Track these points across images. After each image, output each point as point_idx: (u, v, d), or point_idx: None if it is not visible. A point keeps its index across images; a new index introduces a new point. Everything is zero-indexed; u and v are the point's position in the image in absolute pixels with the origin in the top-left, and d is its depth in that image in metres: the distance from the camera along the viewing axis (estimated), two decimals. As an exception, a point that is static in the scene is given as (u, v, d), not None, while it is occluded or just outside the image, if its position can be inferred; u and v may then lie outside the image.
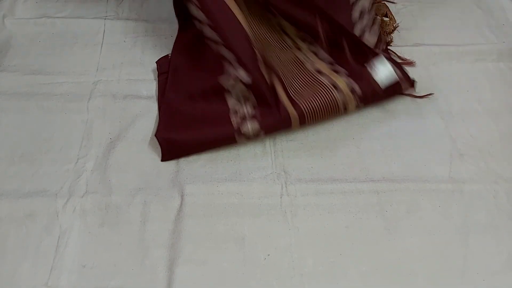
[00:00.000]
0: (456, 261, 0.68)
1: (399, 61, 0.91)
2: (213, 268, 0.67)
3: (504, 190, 0.75)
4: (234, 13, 0.79)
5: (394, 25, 0.97)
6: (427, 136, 0.82)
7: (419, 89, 0.87)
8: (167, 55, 0.91)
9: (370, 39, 0.89)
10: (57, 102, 0.85)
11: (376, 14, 0.94)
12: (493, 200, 0.74)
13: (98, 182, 0.75)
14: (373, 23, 0.91)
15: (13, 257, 0.68)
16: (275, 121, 0.78)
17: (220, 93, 0.82)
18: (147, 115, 0.84)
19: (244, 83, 0.79)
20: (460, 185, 0.76)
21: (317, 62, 0.87)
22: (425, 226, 0.71)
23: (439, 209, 0.73)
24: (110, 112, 0.84)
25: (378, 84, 0.81)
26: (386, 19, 0.97)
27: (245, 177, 0.76)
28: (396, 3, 1.04)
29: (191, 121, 0.80)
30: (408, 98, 0.87)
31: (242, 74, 0.78)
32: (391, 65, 0.83)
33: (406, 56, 0.93)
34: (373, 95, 0.82)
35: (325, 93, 0.79)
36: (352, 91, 0.80)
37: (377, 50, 0.87)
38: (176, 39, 0.93)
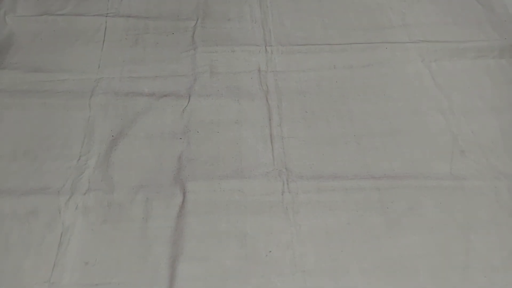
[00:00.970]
0: (457, 257, 0.68)
1: None
2: (215, 265, 0.67)
3: (505, 187, 0.75)
4: None
5: None
6: (428, 133, 0.82)
7: (419, 86, 0.87)
8: None
9: None
10: (59, 99, 0.85)
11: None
12: (495, 196, 0.74)
13: (100, 179, 0.75)
14: None
15: (15, 254, 0.68)
16: None
17: None
18: (149, 112, 0.84)
19: None
20: (462, 181, 0.76)
21: None
22: (426, 223, 0.72)
23: (440, 206, 0.73)
24: (112, 109, 0.85)
25: None
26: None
27: (246, 174, 0.77)
28: None
29: None
30: (409, 95, 0.87)
31: None
32: None
33: (408, 52, 0.93)
34: None
35: None
36: None
37: None
38: None
